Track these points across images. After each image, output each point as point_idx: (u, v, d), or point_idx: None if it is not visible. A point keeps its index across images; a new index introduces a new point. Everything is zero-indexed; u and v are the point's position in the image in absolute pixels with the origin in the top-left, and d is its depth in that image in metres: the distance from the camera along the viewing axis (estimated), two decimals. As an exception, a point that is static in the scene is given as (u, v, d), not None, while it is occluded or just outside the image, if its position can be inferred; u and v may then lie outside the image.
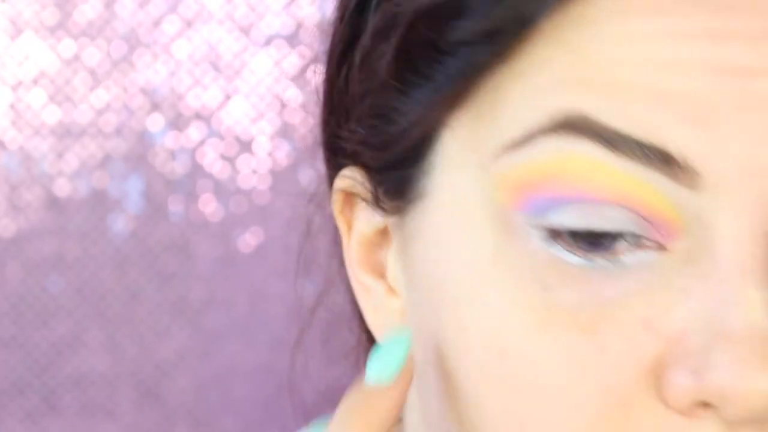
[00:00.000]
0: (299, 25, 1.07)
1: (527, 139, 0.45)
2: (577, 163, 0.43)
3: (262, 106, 1.08)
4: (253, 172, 1.09)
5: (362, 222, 0.52)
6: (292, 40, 1.07)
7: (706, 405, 0.43)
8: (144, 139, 1.08)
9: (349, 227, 0.53)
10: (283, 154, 1.08)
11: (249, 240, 1.10)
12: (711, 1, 0.42)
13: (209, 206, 1.09)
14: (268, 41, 1.08)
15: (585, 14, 0.43)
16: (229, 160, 1.08)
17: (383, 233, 0.52)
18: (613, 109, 0.43)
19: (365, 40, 0.50)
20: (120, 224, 1.08)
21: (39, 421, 1.09)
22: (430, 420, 0.51)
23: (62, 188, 1.08)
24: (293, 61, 1.07)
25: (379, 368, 0.48)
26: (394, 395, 0.48)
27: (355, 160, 0.51)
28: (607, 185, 0.43)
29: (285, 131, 1.08)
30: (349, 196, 0.53)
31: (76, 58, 1.06)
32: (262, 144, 1.09)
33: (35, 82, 1.06)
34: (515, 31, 0.44)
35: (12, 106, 1.06)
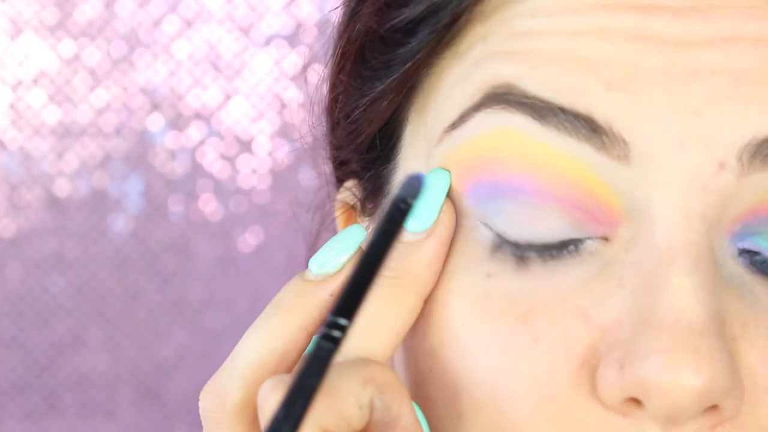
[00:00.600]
0: (299, 25, 1.07)
1: (462, 118, 0.44)
2: (509, 137, 0.42)
3: (262, 106, 1.08)
4: (253, 172, 1.09)
5: None
6: (292, 40, 1.07)
7: (637, 402, 0.41)
8: (144, 139, 1.08)
9: None
10: (283, 153, 1.08)
11: (249, 240, 1.10)
12: None
13: (209, 206, 1.09)
14: (268, 41, 1.08)
15: None
16: (229, 159, 1.08)
17: None
18: (538, 78, 0.42)
19: (340, 47, 0.50)
20: (120, 224, 1.08)
21: (39, 421, 1.09)
22: None
23: (62, 188, 1.08)
24: (293, 61, 1.07)
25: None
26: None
27: (347, 168, 0.52)
28: (540, 164, 0.42)
29: (285, 131, 1.08)
30: (350, 210, 0.53)
31: (76, 58, 1.06)
32: (262, 144, 1.09)
33: (35, 81, 1.06)
34: (452, 11, 0.43)
35: (12, 106, 1.06)
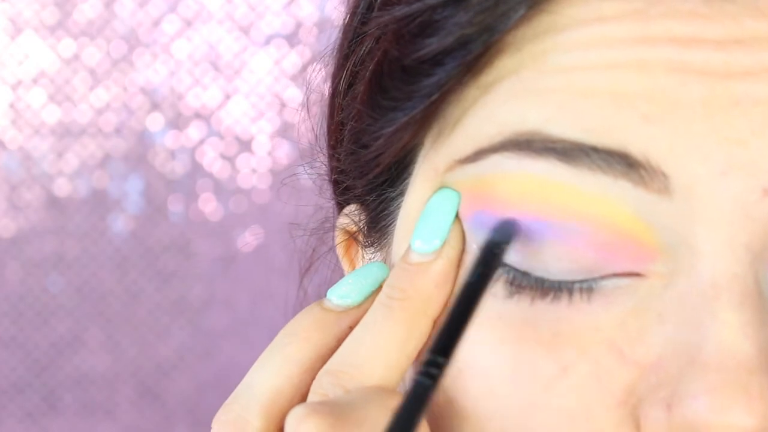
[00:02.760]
0: (299, 25, 1.07)
1: (477, 154, 0.42)
2: (527, 182, 0.41)
3: (261, 106, 1.08)
4: (253, 172, 1.09)
5: (362, 261, 0.51)
6: (292, 39, 1.07)
7: None
8: (144, 138, 1.08)
9: (353, 268, 0.52)
10: (283, 153, 1.08)
11: (249, 240, 1.10)
12: (678, 9, 0.40)
13: (209, 206, 1.09)
14: (268, 41, 1.08)
15: (549, 24, 0.41)
16: (229, 159, 1.08)
17: None
18: (567, 119, 0.40)
19: (350, 67, 0.48)
20: (120, 224, 1.08)
21: (39, 420, 1.09)
22: None
23: (62, 188, 1.08)
24: (293, 60, 1.07)
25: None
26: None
27: (350, 193, 0.50)
28: (562, 206, 0.40)
29: (285, 130, 1.08)
30: (351, 241, 0.51)
31: (76, 57, 1.06)
32: (262, 143, 1.09)
33: (35, 81, 1.06)
34: (482, 43, 0.41)
35: (12, 106, 1.06)
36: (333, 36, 0.52)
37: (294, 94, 1.08)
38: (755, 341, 0.39)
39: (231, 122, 1.08)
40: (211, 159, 1.08)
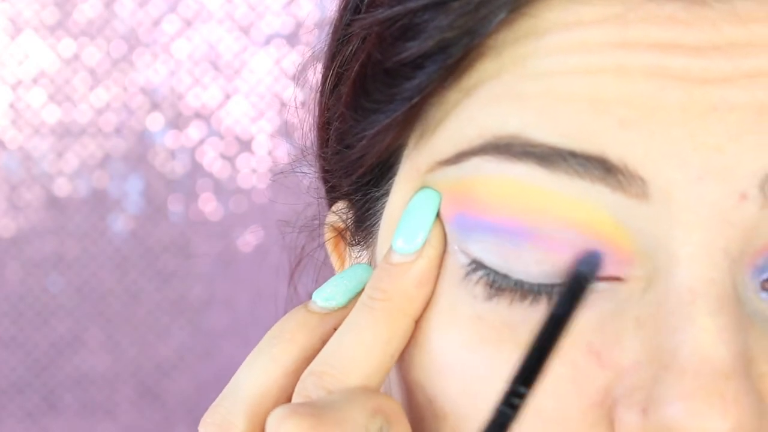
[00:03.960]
0: (299, 25, 1.07)
1: (458, 157, 0.42)
2: (507, 186, 0.41)
3: (261, 106, 1.08)
4: (253, 171, 1.09)
5: (349, 259, 0.51)
6: (292, 39, 1.07)
7: None
8: (144, 138, 1.08)
9: (341, 263, 0.52)
10: (283, 152, 1.08)
11: (249, 239, 1.10)
12: (657, 14, 0.40)
13: (209, 205, 1.09)
14: (268, 41, 1.08)
15: (530, 28, 0.41)
16: (229, 159, 1.08)
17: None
18: (546, 124, 0.40)
19: (336, 67, 0.49)
20: (120, 224, 1.08)
21: (39, 420, 1.09)
22: None
23: (62, 188, 1.08)
24: (293, 60, 1.07)
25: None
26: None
27: (338, 191, 0.50)
28: (540, 210, 0.40)
29: (285, 130, 1.08)
30: (339, 238, 0.52)
31: (76, 57, 1.06)
32: (262, 143, 1.09)
33: (35, 81, 1.06)
34: (463, 46, 0.42)
35: (12, 106, 1.06)
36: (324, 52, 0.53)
37: (294, 94, 1.08)
38: (731, 346, 0.39)
39: (231, 122, 1.08)
40: (211, 159, 1.08)
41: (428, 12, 0.42)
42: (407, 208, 0.44)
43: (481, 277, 0.42)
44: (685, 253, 0.40)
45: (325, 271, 0.58)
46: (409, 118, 0.44)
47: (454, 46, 0.42)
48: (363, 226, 0.49)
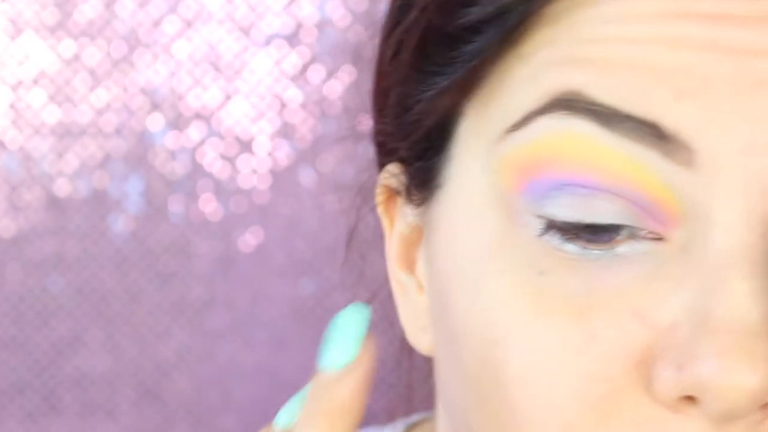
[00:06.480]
0: (299, 25, 1.07)
1: (526, 120, 0.45)
2: (573, 142, 0.43)
3: (262, 106, 1.08)
4: (253, 172, 1.09)
5: (400, 219, 0.53)
6: (292, 40, 1.07)
7: (691, 399, 0.43)
8: (144, 139, 1.08)
9: (392, 224, 0.54)
10: (283, 154, 1.08)
11: (249, 240, 1.10)
12: None
13: (209, 206, 1.09)
14: (268, 41, 1.08)
15: None
16: (229, 159, 1.08)
17: (418, 230, 0.53)
18: (606, 85, 0.43)
19: (395, 36, 0.51)
20: (120, 224, 1.08)
21: (39, 421, 1.09)
22: (452, 415, 0.51)
23: (62, 188, 1.08)
24: (293, 61, 1.07)
25: (334, 354, 0.45)
26: (353, 382, 0.45)
27: (394, 155, 0.53)
28: (603, 166, 0.43)
29: (285, 131, 1.08)
30: (392, 195, 0.54)
31: (76, 58, 1.06)
32: (262, 144, 1.09)
33: (35, 82, 1.06)
34: (521, 13, 0.44)
35: (12, 106, 1.06)
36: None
37: (295, 95, 1.08)
38: (763, 308, 0.42)
39: (231, 123, 1.08)
40: (211, 159, 1.08)
41: None
42: (335, 324, 0.45)
43: (555, 233, 0.45)
44: (725, 219, 0.42)
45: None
46: (468, 83, 0.47)
47: (511, 12, 0.45)
48: (423, 192, 0.51)
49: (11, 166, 1.07)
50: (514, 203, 0.46)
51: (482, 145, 0.47)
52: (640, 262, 0.44)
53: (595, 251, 0.45)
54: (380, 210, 0.55)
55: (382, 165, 0.56)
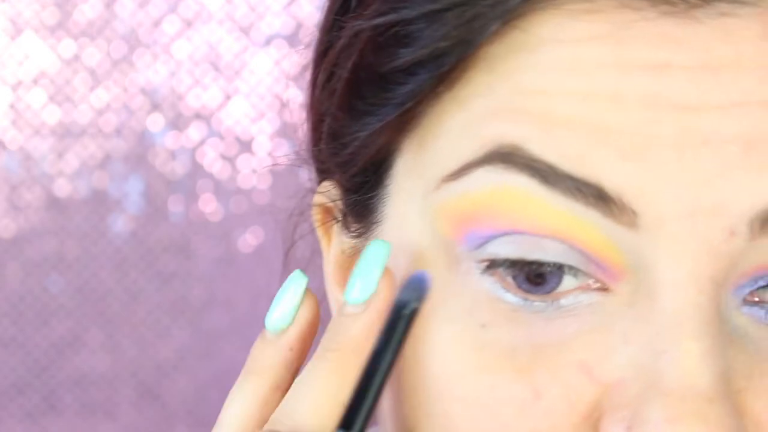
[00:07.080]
0: (299, 25, 1.07)
1: (463, 170, 0.43)
2: (512, 196, 0.42)
3: (262, 106, 1.09)
4: (253, 172, 1.09)
5: (336, 240, 0.52)
6: (292, 40, 1.07)
7: None
8: (144, 139, 1.08)
9: (329, 243, 0.52)
10: (283, 153, 1.08)
11: (249, 240, 1.10)
12: (650, 31, 0.41)
13: (209, 206, 1.09)
14: (268, 41, 1.08)
15: (523, 43, 0.42)
16: (229, 159, 1.08)
17: (355, 254, 0.51)
18: (546, 141, 0.41)
19: (327, 62, 0.49)
20: (120, 224, 1.08)
21: (39, 420, 1.09)
22: None
23: (62, 188, 1.08)
24: (293, 61, 1.07)
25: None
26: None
27: (331, 176, 0.51)
28: (542, 220, 0.42)
29: (285, 131, 1.08)
30: (328, 212, 0.52)
31: (76, 58, 1.06)
32: (262, 144, 1.09)
33: (35, 82, 1.06)
34: (456, 55, 0.42)
35: (12, 106, 1.07)
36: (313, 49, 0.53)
37: (294, 95, 1.08)
38: (715, 370, 0.40)
39: (231, 123, 1.08)
40: (211, 159, 1.08)
41: (423, 21, 0.43)
42: (359, 260, 0.45)
43: (496, 281, 0.43)
44: (673, 278, 0.41)
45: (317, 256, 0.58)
46: (403, 123, 0.45)
47: (447, 55, 0.42)
48: (361, 224, 0.49)
49: (11, 166, 1.07)
50: (453, 249, 0.44)
51: (419, 190, 0.45)
52: (585, 314, 0.42)
53: (537, 303, 0.43)
54: (317, 228, 0.53)
55: (318, 181, 0.54)
